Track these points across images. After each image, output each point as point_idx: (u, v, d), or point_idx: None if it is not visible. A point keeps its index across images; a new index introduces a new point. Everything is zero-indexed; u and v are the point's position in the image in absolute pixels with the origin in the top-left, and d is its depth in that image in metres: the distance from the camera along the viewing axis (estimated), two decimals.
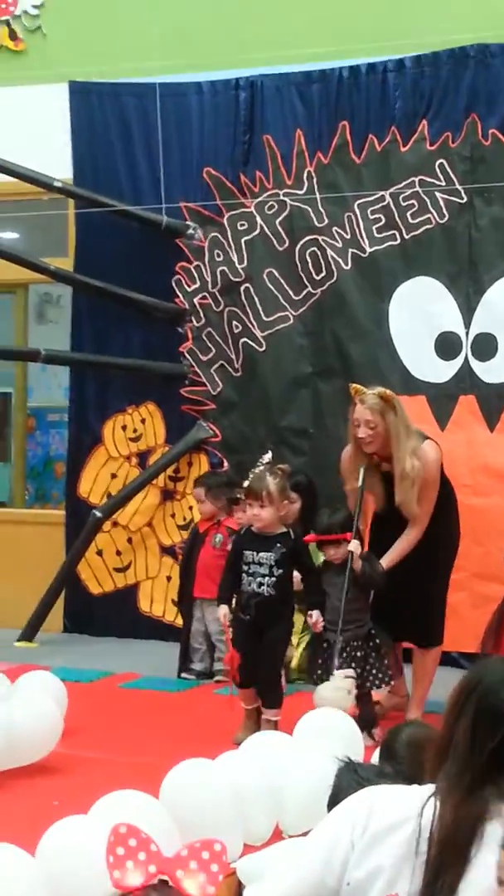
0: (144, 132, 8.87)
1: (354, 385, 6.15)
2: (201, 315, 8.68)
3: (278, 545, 5.81)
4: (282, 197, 8.45)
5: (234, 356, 8.58)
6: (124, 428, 8.98)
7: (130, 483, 8.78)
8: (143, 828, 2.40)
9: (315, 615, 5.87)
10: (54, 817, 3.94)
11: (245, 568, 5.85)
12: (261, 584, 5.80)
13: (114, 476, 8.97)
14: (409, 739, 3.59)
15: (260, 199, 8.51)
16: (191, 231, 8.68)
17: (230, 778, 4.47)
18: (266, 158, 8.51)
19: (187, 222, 8.69)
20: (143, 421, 8.94)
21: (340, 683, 5.59)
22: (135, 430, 8.96)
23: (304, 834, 3.10)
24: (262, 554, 5.81)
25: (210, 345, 8.67)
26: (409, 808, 2.18)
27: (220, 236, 8.62)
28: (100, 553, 8.94)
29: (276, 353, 8.43)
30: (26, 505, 10.20)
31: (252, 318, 8.50)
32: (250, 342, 8.51)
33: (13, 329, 9.94)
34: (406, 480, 5.90)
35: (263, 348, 8.47)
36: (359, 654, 5.88)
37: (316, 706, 5.42)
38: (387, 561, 5.96)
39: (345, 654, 5.82)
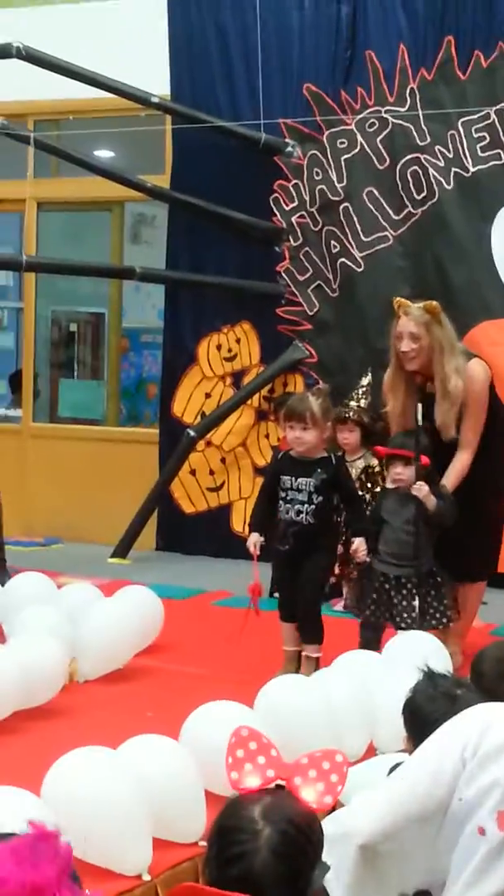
0: (244, 47, 8.75)
1: (398, 298, 5.81)
2: (299, 234, 8.58)
3: (319, 471, 5.42)
4: (383, 114, 8.28)
5: (331, 276, 8.48)
6: (219, 348, 8.95)
7: (225, 403, 8.77)
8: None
9: (357, 542, 5.46)
10: (148, 727, 4.01)
11: (283, 495, 5.47)
12: (299, 513, 5.42)
13: (208, 396, 8.97)
14: (493, 655, 3.62)
15: (361, 116, 8.35)
16: (289, 149, 8.56)
17: (324, 694, 4.48)
18: (368, 74, 8.34)
19: (286, 139, 8.56)
20: (238, 341, 8.90)
21: None
22: (230, 350, 8.93)
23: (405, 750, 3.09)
24: (301, 480, 5.43)
25: (307, 264, 8.57)
26: None
27: (319, 154, 8.48)
28: (193, 472, 8.97)
29: (375, 273, 8.30)
30: (119, 425, 10.26)
31: (350, 238, 8.37)
32: (348, 262, 8.39)
33: (109, 248, 9.94)
34: (447, 400, 5.54)
35: (362, 269, 8.35)
36: (420, 591, 5.47)
37: None
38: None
39: (404, 591, 5.45)
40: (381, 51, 8.31)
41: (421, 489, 5.38)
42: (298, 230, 8.57)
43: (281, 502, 5.48)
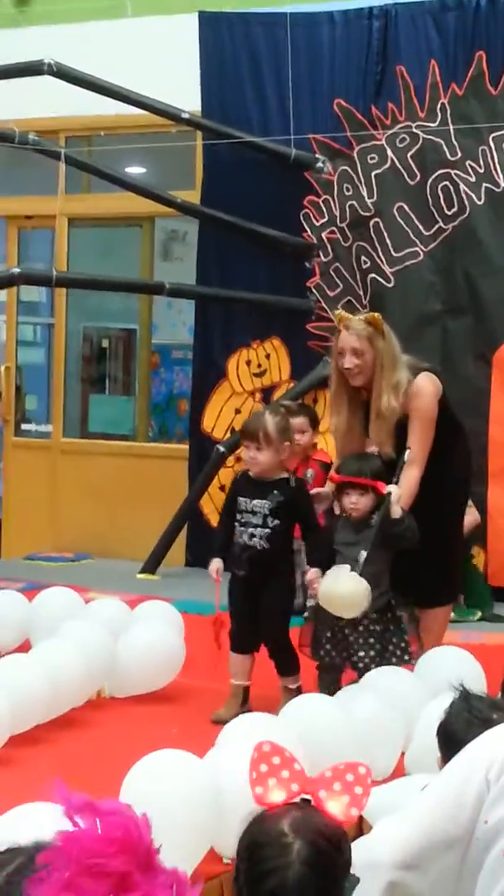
0: (274, 63, 8.73)
1: (338, 312, 5.55)
2: (329, 250, 8.56)
3: (275, 492, 5.11)
4: (414, 129, 8.25)
5: (361, 292, 8.45)
6: (249, 363, 8.93)
7: None
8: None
9: (312, 571, 5.10)
10: (175, 744, 3.97)
11: (238, 517, 5.18)
12: (252, 536, 5.12)
13: (238, 411, 8.94)
14: None
15: (391, 131, 8.32)
16: (320, 164, 8.54)
17: (352, 711, 4.43)
18: (399, 90, 8.31)
19: (316, 155, 8.55)
20: (267, 356, 8.88)
21: (349, 576, 4.89)
22: (259, 366, 8.91)
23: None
24: (255, 502, 5.13)
25: (337, 280, 8.55)
26: None
27: (349, 170, 8.46)
28: (223, 488, 8.91)
29: (405, 289, 8.26)
30: (149, 441, 10.25)
31: (381, 254, 8.34)
32: (378, 278, 8.36)
33: (139, 264, 9.95)
34: (380, 419, 5.19)
35: (392, 284, 8.31)
36: (378, 627, 5.06)
37: (331, 606, 4.95)
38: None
39: (361, 628, 5.05)
40: (411, 66, 8.29)
41: (395, 490, 5.03)
42: (328, 246, 8.55)
43: (237, 524, 5.20)
